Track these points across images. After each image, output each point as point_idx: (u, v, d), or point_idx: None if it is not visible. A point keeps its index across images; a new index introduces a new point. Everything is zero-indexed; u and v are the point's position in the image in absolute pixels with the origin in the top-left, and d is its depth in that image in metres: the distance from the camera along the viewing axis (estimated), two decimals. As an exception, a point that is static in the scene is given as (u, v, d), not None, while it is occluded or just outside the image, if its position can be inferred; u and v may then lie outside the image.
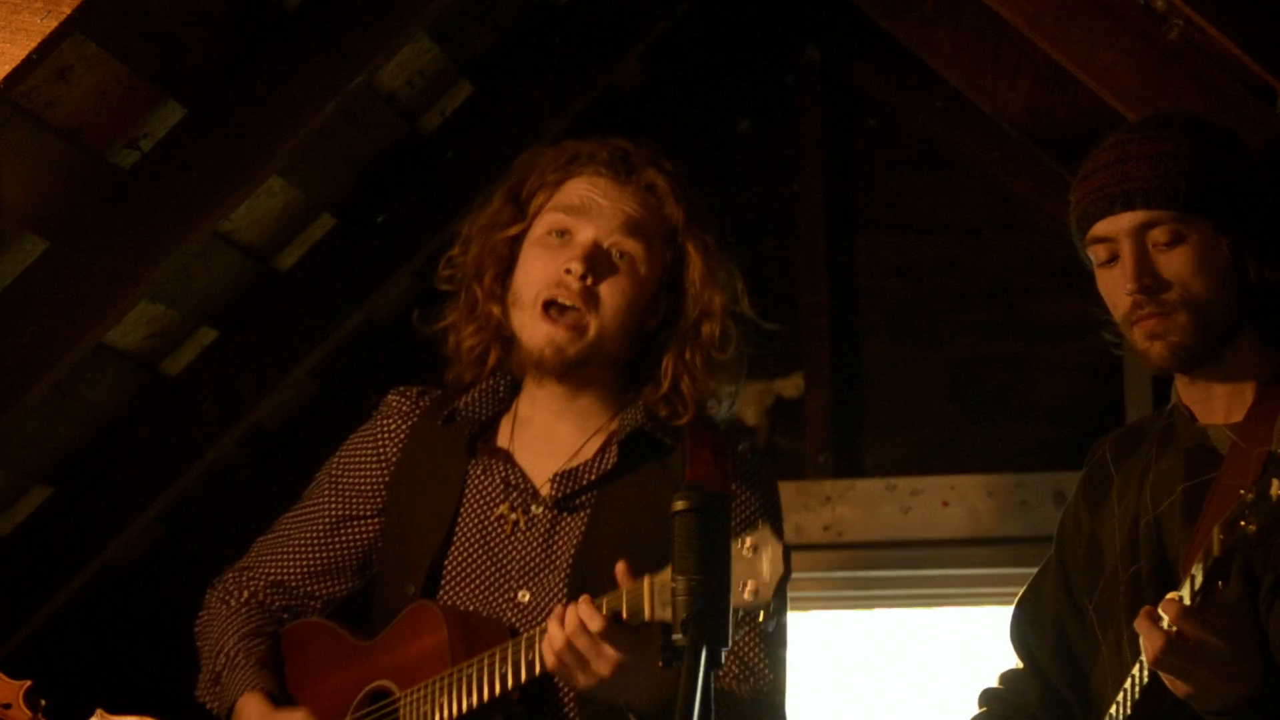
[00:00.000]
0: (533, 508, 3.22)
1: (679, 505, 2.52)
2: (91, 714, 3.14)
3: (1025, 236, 5.36)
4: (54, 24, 3.33)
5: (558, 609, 2.96)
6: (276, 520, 3.45)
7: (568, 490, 3.21)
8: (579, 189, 3.25)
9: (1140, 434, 3.16)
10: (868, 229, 5.43)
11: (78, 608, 4.74)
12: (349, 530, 3.36)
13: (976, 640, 5.61)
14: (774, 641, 3.18)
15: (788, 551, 2.74)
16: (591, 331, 3.19)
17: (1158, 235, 2.97)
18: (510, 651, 3.01)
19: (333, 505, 3.37)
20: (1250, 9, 3.47)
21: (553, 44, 4.87)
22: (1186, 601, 2.72)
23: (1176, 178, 2.95)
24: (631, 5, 4.93)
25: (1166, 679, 2.76)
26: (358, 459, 3.37)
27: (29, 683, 3.10)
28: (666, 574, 2.67)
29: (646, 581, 2.87)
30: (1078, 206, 3.05)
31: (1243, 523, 2.63)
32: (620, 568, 2.94)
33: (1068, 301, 5.18)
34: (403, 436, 3.34)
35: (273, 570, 3.38)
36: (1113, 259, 3.01)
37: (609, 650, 2.92)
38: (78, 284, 3.97)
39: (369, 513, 3.35)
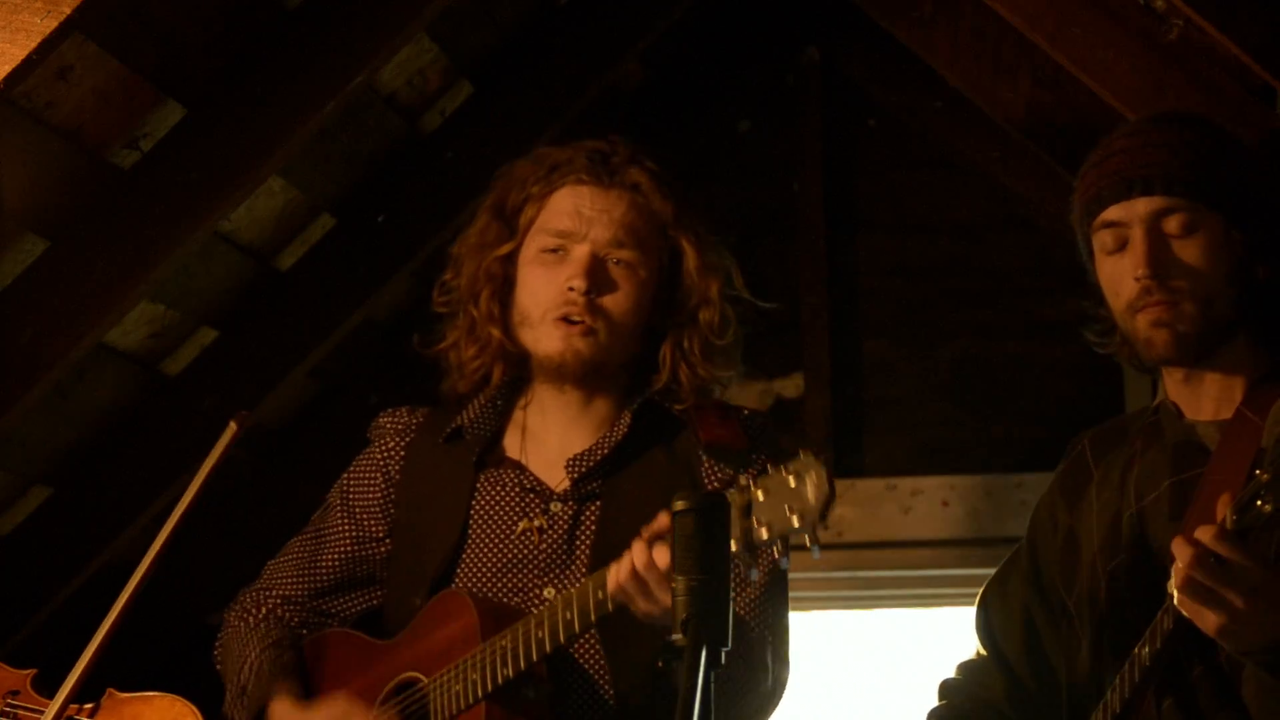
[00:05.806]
0: (552, 506, 3.22)
1: (679, 505, 2.52)
2: (102, 694, 3.17)
3: (1025, 236, 5.36)
4: (54, 24, 3.33)
5: (628, 550, 2.95)
6: (287, 543, 3.43)
7: (584, 469, 3.21)
8: (565, 203, 3.25)
9: (1121, 431, 3.15)
10: (868, 229, 5.43)
11: (77, 608, 4.73)
12: (363, 550, 3.35)
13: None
14: (769, 594, 3.17)
15: (831, 476, 2.76)
16: (603, 336, 3.21)
17: (1172, 224, 2.96)
18: (545, 617, 3.00)
19: (346, 526, 3.36)
20: (1250, 9, 3.48)
21: (553, 44, 4.87)
22: (1228, 526, 2.66)
23: (1197, 167, 2.95)
24: (631, 5, 4.93)
25: (1194, 613, 2.68)
26: (365, 481, 3.37)
27: (35, 671, 3.13)
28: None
29: None
30: (1089, 189, 3.02)
31: (1259, 503, 2.62)
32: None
33: (1068, 301, 5.13)
34: (401, 454, 3.34)
35: (287, 589, 3.38)
36: (1121, 246, 3.00)
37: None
38: (78, 284, 3.97)
39: (382, 533, 3.34)
